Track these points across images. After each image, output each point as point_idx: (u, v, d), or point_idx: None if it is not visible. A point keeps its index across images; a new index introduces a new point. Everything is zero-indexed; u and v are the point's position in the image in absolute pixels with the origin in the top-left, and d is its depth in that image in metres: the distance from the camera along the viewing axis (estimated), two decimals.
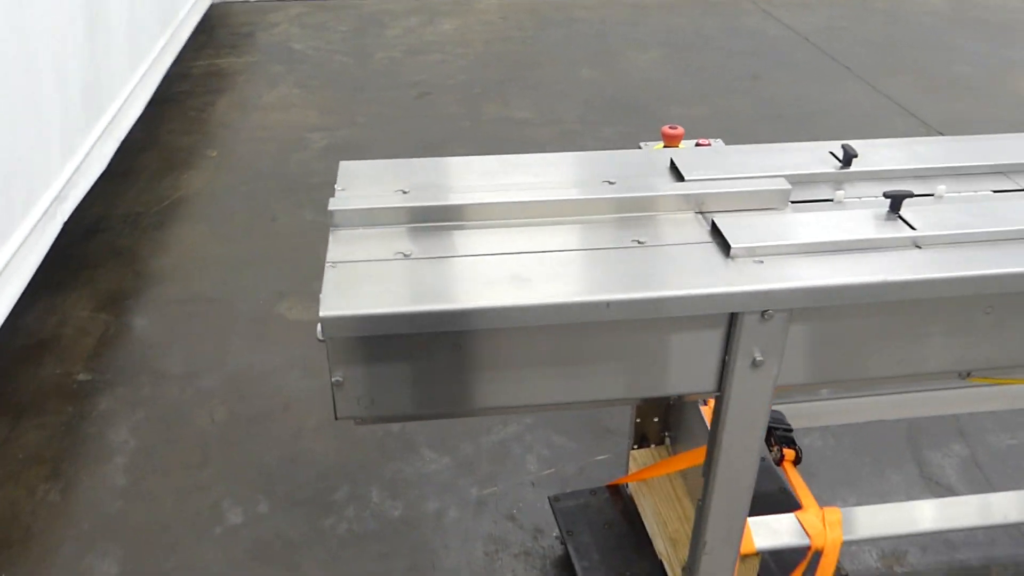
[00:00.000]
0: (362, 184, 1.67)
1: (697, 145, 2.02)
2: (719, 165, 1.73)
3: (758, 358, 1.49)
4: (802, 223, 1.56)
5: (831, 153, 1.81)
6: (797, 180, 1.70)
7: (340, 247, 1.49)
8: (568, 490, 2.37)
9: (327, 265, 1.45)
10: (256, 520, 2.45)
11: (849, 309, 1.47)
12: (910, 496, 2.56)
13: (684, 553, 1.97)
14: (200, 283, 3.53)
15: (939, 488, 2.60)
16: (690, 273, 1.44)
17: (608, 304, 1.38)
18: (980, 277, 1.46)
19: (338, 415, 1.48)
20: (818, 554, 1.90)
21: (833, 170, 1.75)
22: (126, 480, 2.58)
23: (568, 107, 5.21)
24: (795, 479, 1.97)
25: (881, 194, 1.68)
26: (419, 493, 2.55)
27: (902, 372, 1.60)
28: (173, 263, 3.66)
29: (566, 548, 2.32)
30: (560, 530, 2.20)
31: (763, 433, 1.63)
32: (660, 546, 2.08)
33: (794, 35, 6.45)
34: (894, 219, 1.57)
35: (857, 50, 6.16)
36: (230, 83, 5.51)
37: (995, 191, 1.74)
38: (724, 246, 1.50)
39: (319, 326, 1.38)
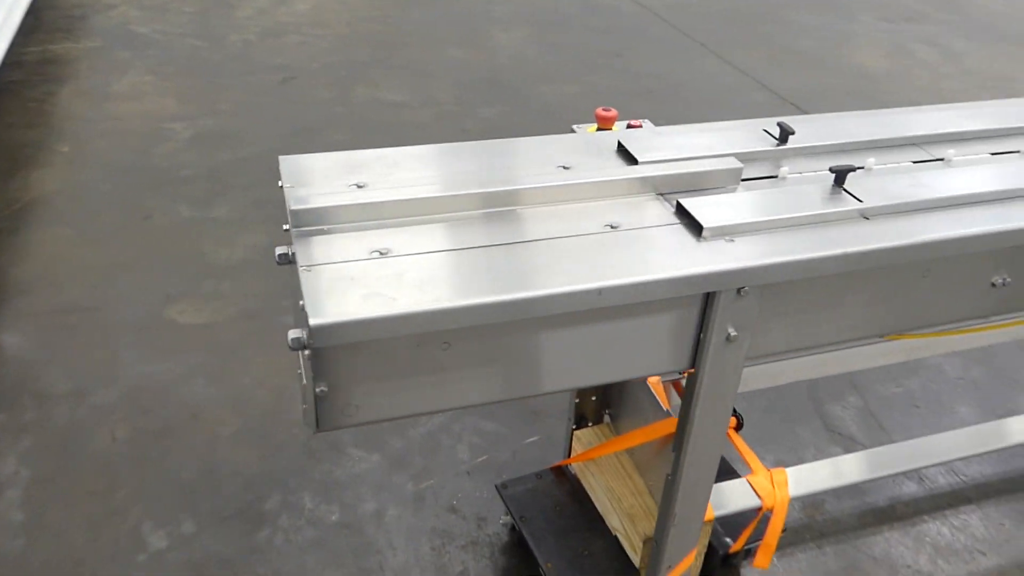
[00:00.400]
0: (313, 180, 1.58)
1: (629, 126, 2.05)
2: (667, 147, 1.76)
3: (732, 333, 1.53)
4: (761, 201, 1.62)
5: (765, 131, 1.88)
6: (741, 159, 1.76)
7: (310, 249, 1.41)
8: (504, 476, 2.37)
9: (301, 269, 1.36)
10: (183, 542, 2.29)
11: (813, 281, 1.55)
12: (819, 447, 2.74)
13: (643, 526, 2.02)
14: (73, 292, 3.23)
15: (843, 439, 2.80)
16: (669, 255, 1.47)
17: (600, 291, 1.38)
18: (924, 244, 1.57)
19: (320, 427, 1.41)
20: (768, 513, 2.01)
21: (772, 147, 1.82)
22: (24, 515, 2.34)
23: (441, 88, 5.15)
24: (740, 445, 2.06)
25: (820, 169, 1.79)
26: (354, 494, 2.47)
27: (851, 336, 1.71)
28: (38, 272, 3.33)
29: (513, 534, 2.33)
30: (512, 517, 2.20)
31: (732, 405, 1.69)
32: (615, 522, 2.12)
33: (647, 12, 6.65)
34: (839, 193, 1.66)
35: (707, 25, 6.44)
36: (71, 71, 5.05)
37: (914, 162, 1.87)
38: (695, 227, 1.53)
39: (296, 335, 1.30)
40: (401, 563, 2.28)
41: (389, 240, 1.44)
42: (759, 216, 1.55)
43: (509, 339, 1.41)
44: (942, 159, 1.89)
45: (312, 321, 1.24)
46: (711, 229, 1.51)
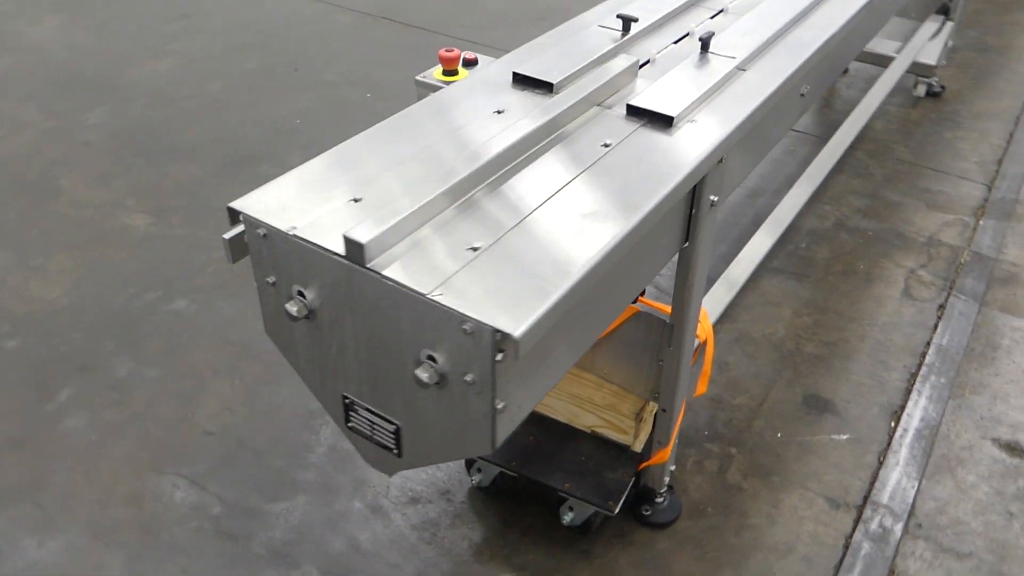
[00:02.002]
0: (306, 207, 1.37)
1: (465, 61, 2.05)
2: (556, 66, 1.83)
3: (713, 199, 1.73)
4: (677, 81, 1.79)
5: (601, 27, 2.04)
6: (611, 56, 1.90)
7: (414, 262, 1.25)
8: None
9: (434, 295, 1.22)
10: None
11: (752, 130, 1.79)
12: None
13: (626, 407, 2.21)
14: None
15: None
16: (669, 154, 1.59)
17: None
18: (803, 64, 1.90)
19: (495, 445, 1.32)
20: (703, 344, 2.32)
21: (624, 41, 1.99)
22: None
23: None
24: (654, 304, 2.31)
25: (665, 45, 2.01)
26: (308, 532, 2.25)
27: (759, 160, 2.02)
28: None
29: (490, 488, 2.35)
30: (504, 467, 2.22)
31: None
32: (589, 420, 2.26)
33: None
34: (711, 56, 1.90)
35: None
36: None
37: (711, 17, 2.19)
38: (662, 120, 1.66)
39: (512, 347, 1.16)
40: (415, 570, 2.18)
41: (459, 235, 1.34)
42: (692, 95, 1.73)
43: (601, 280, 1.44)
44: (722, 10, 2.23)
45: (517, 332, 1.15)
46: (679, 117, 1.66)
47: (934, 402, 2.68)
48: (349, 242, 1.26)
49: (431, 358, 1.28)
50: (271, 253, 1.39)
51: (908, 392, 2.72)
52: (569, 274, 1.26)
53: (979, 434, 2.59)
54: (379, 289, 1.26)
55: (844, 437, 2.57)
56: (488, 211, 1.40)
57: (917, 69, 4.26)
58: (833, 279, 3.20)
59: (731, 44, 1.94)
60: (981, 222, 3.52)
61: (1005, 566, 2.22)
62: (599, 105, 1.74)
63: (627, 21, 1.99)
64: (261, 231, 1.37)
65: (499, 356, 1.20)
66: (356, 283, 1.29)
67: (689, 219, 1.73)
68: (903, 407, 2.66)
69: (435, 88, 1.97)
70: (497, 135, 1.56)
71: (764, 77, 1.86)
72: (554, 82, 1.76)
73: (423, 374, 1.27)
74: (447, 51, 1.99)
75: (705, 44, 1.91)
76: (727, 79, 1.82)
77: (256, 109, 4.30)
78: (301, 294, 1.40)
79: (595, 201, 1.44)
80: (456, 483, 2.40)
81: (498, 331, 1.16)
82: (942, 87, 4.46)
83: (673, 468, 2.27)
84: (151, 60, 4.79)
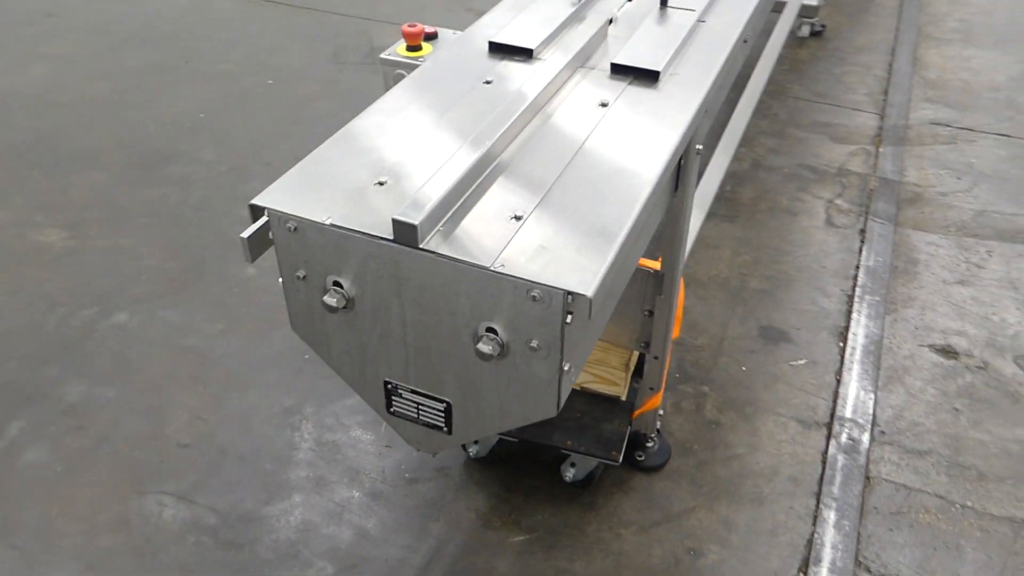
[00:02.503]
0: (332, 196, 1.35)
1: (427, 35, 2.04)
2: (529, 30, 1.85)
3: (699, 148, 1.80)
4: (649, 37, 1.84)
5: None
6: (571, 21, 1.93)
7: (465, 236, 1.26)
8: None
9: (495, 269, 1.23)
10: None
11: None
12: None
13: (615, 360, 2.28)
14: None
15: None
16: (665, 109, 1.64)
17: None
18: (752, 11, 2.00)
19: (560, 406, 1.35)
20: None
21: (584, 2, 2.02)
22: None
23: None
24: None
25: (620, 4, 2.06)
26: (313, 528, 2.22)
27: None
28: None
29: (486, 459, 2.38)
30: (505, 435, 2.25)
31: None
32: (580, 378, 2.32)
33: None
34: (670, 10, 1.96)
35: None
36: None
37: None
38: (649, 75, 1.71)
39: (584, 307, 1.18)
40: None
41: (501, 208, 1.35)
42: (669, 49, 1.79)
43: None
44: None
45: (590, 292, 1.18)
46: (663, 72, 1.72)
47: (873, 319, 2.89)
48: (400, 224, 1.25)
49: (490, 330, 1.29)
50: (302, 246, 1.36)
51: (849, 313, 2.92)
52: (618, 230, 1.30)
53: (916, 343, 2.81)
54: (435, 268, 1.26)
55: (802, 362, 2.74)
56: (516, 179, 1.42)
57: (801, 11, 4.49)
58: (761, 217, 3.37)
59: None
60: (881, 149, 3.77)
61: (960, 456, 2.44)
62: (583, 67, 1.77)
63: None
64: (291, 225, 1.34)
65: (568, 318, 1.22)
66: (407, 265, 1.29)
67: (678, 169, 1.79)
68: (847, 327, 2.86)
69: (402, 65, 1.95)
70: (501, 105, 1.57)
71: (724, 26, 1.94)
72: (533, 47, 1.77)
73: (485, 347, 1.28)
74: (410, 26, 1.97)
75: (664, 1, 1.97)
76: (693, 31, 1.89)
77: (153, 107, 4.08)
78: (337, 284, 1.38)
79: (613, 160, 1.47)
80: (451, 458, 2.42)
81: (571, 293, 1.19)
82: (823, 26, 4.72)
83: (662, 412, 2.37)
84: (22, 66, 4.45)
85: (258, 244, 1.41)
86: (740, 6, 2.03)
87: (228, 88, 4.24)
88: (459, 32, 2.05)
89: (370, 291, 1.36)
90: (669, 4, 1.98)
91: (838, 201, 3.45)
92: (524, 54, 1.78)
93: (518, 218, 1.33)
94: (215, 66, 4.44)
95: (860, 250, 3.20)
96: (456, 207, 1.34)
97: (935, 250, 3.20)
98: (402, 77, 1.94)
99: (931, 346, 2.80)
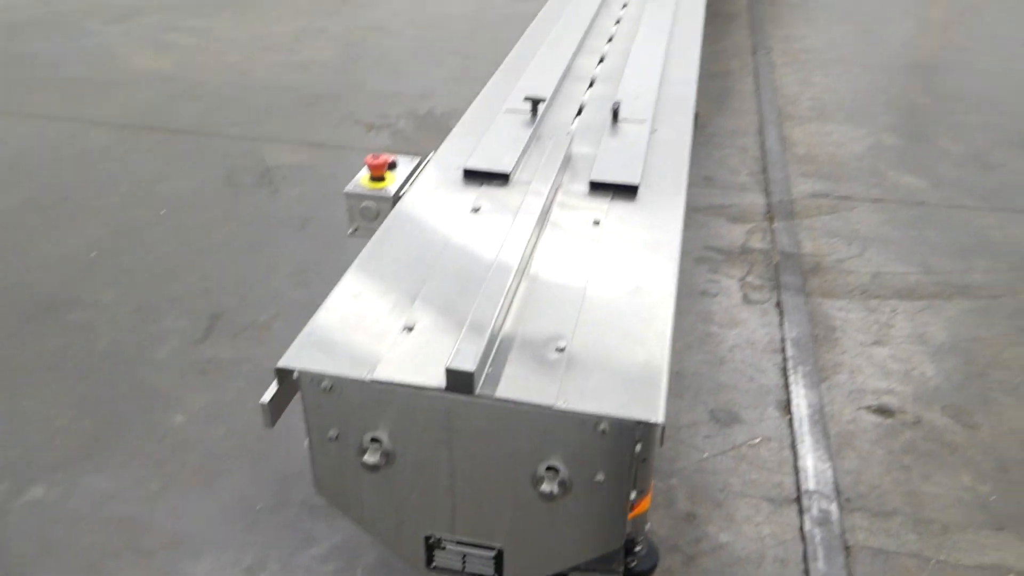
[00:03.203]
0: (362, 349, 1.29)
1: (391, 166, 2.02)
2: (498, 155, 1.87)
3: None
4: (614, 151, 1.90)
5: (509, 111, 2.10)
6: (539, 135, 1.97)
7: (517, 375, 1.22)
8: None
9: (561, 405, 1.19)
10: None
11: None
12: None
13: None
14: None
15: None
16: (655, 222, 1.69)
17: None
18: (692, 116, 2.10)
19: (623, 537, 1.31)
20: None
21: (538, 121, 2.06)
22: None
23: None
24: None
25: (570, 120, 2.13)
26: None
27: None
28: None
29: None
30: None
31: None
32: None
33: None
34: (622, 123, 2.04)
35: None
36: None
37: (589, 87, 2.33)
38: (628, 190, 1.76)
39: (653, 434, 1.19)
40: None
41: (541, 340, 1.33)
42: (638, 162, 1.85)
43: None
44: (593, 80, 2.39)
45: (660, 418, 1.17)
46: (641, 186, 1.77)
47: (810, 388, 3.02)
48: (453, 373, 1.20)
49: (550, 468, 1.25)
50: (337, 405, 1.28)
51: (787, 386, 3.04)
52: (662, 360, 1.31)
53: (854, 406, 2.95)
54: (492, 413, 1.22)
55: (757, 440, 2.81)
56: (544, 309, 1.40)
57: None
58: (684, 303, 3.48)
59: (632, 108, 2.10)
60: (774, 225, 4.02)
61: (922, 512, 2.55)
62: (561, 186, 1.80)
63: (535, 103, 2.08)
64: (326, 384, 1.26)
65: (638, 447, 1.20)
66: (460, 414, 1.23)
67: None
68: (789, 400, 2.97)
69: (369, 198, 1.92)
70: (503, 235, 1.57)
71: (674, 133, 2.03)
72: (508, 172, 1.79)
73: (547, 487, 1.24)
74: (374, 157, 1.94)
75: (616, 113, 2.05)
76: (650, 143, 1.97)
77: (37, 249, 3.80)
78: (374, 440, 1.30)
79: (629, 280, 1.49)
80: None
81: (640, 422, 1.17)
82: (697, 114, 5.04)
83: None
84: None
85: (278, 407, 1.31)
86: (681, 114, 2.14)
87: (117, 222, 4.01)
88: (415, 157, 2.04)
89: (414, 444, 1.29)
90: (622, 117, 2.06)
91: (749, 278, 3.63)
92: (500, 179, 1.79)
93: (561, 350, 1.31)
94: (99, 200, 4.21)
95: (781, 323, 3.36)
96: (497, 346, 1.31)
97: (846, 315, 3.41)
98: (370, 209, 1.90)
99: (867, 407, 2.95)
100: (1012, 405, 2.94)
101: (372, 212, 1.91)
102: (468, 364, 1.19)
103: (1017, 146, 4.72)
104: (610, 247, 1.58)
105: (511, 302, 1.41)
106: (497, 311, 1.32)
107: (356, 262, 1.52)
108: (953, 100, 5.35)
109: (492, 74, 4.53)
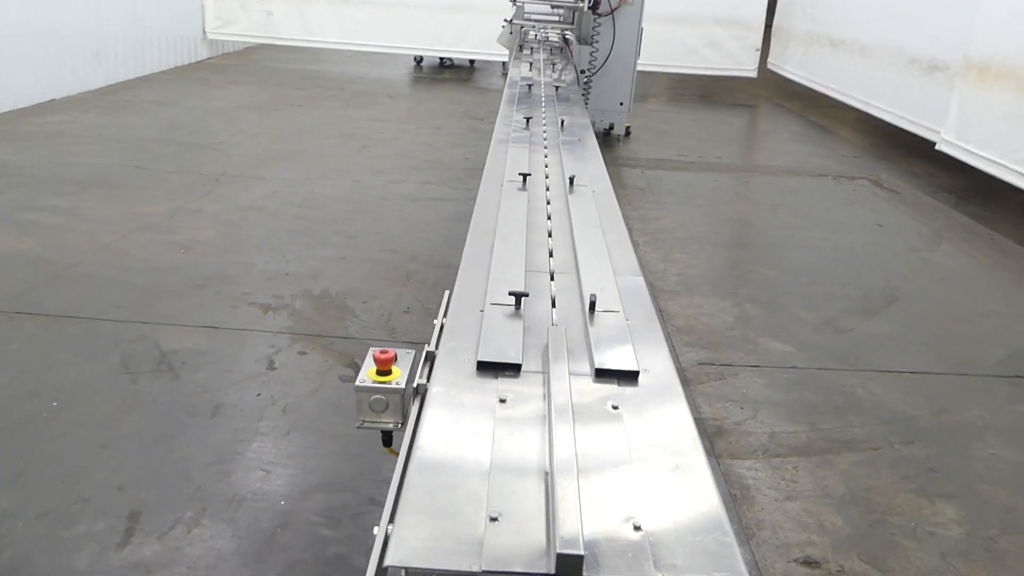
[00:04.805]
0: (453, 543, 1.34)
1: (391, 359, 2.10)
2: (502, 346, 2.01)
3: None
4: (607, 339, 2.09)
5: (493, 304, 2.26)
6: (528, 327, 2.14)
7: (615, 554, 1.31)
8: None
9: None
10: None
11: None
12: None
13: None
14: None
15: None
16: (666, 409, 1.87)
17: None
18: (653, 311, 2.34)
19: None
20: None
21: (521, 311, 2.23)
22: None
23: None
24: None
25: (551, 307, 2.31)
26: None
27: None
28: None
29: None
30: None
31: None
32: None
33: None
34: (599, 314, 2.25)
35: None
36: None
37: (551, 279, 2.55)
38: (631, 376, 1.94)
39: None
40: None
41: (609, 514, 1.43)
42: (628, 348, 2.05)
43: None
44: (552, 273, 2.60)
45: None
46: (643, 371, 1.96)
47: (742, 545, 3.20)
48: (564, 558, 1.28)
49: None
50: None
51: None
52: (724, 519, 1.45)
53: (784, 560, 3.17)
54: None
55: None
56: (591, 494, 1.52)
57: None
58: None
59: (602, 299, 2.32)
60: None
61: None
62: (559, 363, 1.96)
63: (519, 297, 2.25)
64: None
65: None
66: None
67: None
68: None
69: (378, 391, 1.98)
70: (537, 425, 1.69)
71: (642, 321, 2.26)
72: (520, 362, 1.93)
73: None
74: (381, 352, 2.02)
75: (592, 305, 2.26)
76: (628, 331, 2.18)
77: None
78: None
79: (666, 459, 1.65)
80: None
81: None
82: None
83: None
84: None
85: None
86: (641, 305, 2.38)
87: (3, 421, 3.71)
88: (411, 351, 2.14)
89: None
90: (597, 309, 2.27)
91: None
92: (513, 369, 1.93)
93: (638, 528, 1.42)
94: None
95: None
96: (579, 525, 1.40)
97: (756, 474, 3.69)
98: (380, 401, 1.97)
99: (796, 560, 3.17)
100: (914, 548, 3.25)
101: (382, 405, 1.98)
102: (578, 547, 1.28)
103: (859, 313, 5.41)
104: (637, 430, 1.74)
105: (575, 484, 1.52)
106: (570, 494, 1.43)
107: (415, 457, 1.58)
108: (794, 273, 6.08)
109: (379, 253, 4.52)
